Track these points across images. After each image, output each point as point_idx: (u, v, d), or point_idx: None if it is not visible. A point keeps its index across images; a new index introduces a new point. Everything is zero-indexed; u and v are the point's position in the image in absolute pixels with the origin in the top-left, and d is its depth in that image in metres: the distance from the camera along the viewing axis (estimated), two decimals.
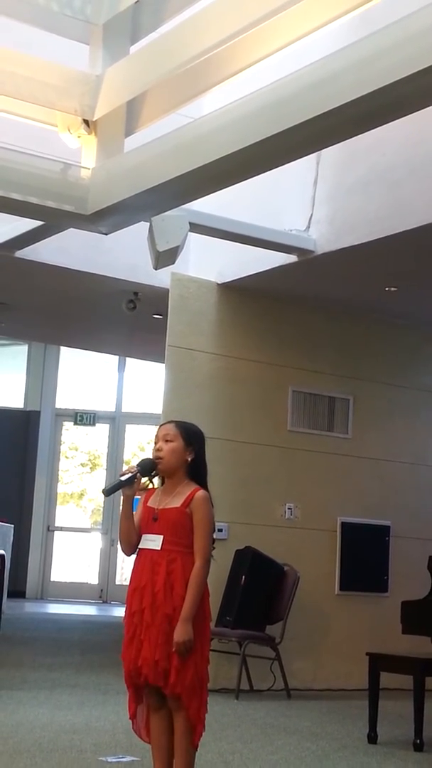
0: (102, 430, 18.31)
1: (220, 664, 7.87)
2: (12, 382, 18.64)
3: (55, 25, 6.64)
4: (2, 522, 12.20)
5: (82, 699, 7.15)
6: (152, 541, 4.12)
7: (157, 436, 4.24)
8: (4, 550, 10.99)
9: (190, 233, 7.21)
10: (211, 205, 7.20)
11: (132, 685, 4.15)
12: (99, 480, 18.36)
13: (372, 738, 6.25)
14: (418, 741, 6.04)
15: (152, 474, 4.22)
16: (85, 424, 18.02)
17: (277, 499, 8.79)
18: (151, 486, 4.26)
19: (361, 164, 7.18)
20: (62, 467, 18.51)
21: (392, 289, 8.28)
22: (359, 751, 5.98)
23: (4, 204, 6.46)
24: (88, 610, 15.97)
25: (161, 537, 4.10)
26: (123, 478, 4.17)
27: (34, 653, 9.72)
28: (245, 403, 8.73)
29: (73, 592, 17.57)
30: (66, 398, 18.34)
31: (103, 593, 17.72)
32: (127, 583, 4.23)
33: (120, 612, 4.45)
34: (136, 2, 6.27)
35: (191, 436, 4.22)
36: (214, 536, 4.18)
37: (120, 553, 16.16)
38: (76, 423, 18.05)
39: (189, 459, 4.18)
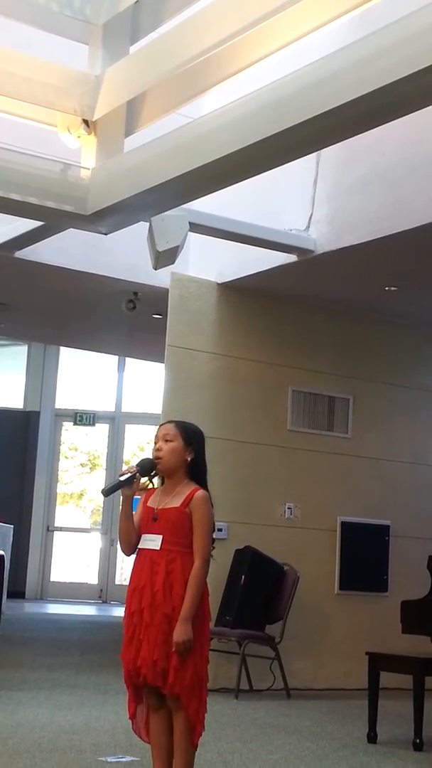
0: (102, 430, 18.31)
1: (220, 663, 7.87)
2: (12, 383, 18.64)
3: (55, 25, 6.64)
4: (2, 522, 12.19)
5: (81, 699, 7.15)
6: (152, 541, 4.12)
7: (156, 436, 4.24)
8: (3, 550, 10.98)
9: (189, 233, 7.21)
10: (211, 204, 7.20)
11: (131, 685, 4.15)
12: (99, 480, 18.36)
13: (372, 737, 6.25)
14: (418, 740, 6.04)
15: (152, 474, 4.22)
16: (84, 425, 18.02)
17: (277, 498, 8.79)
18: (151, 486, 4.26)
19: (360, 164, 7.18)
20: (62, 467, 18.51)
21: (392, 288, 8.28)
22: (359, 750, 5.98)
23: (3, 204, 6.46)
24: (88, 611, 15.97)
25: (160, 537, 4.10)
26: (122, 478, 4.17)
27: (34, 653, 9.72)
28: (245, 403, 8.73)
29: (73, 592, 17.57)
30: (66, 398, 18.34)
31: (102, 593, 17.72)
32: (127, 583, 4.23)
33: (120, 612, 4.46)
34: (135, 2, 6.27)
35: (191, 436, 4.22)
36: (214, 536, 4.18)
37: (119, 553, 16.16)
38: (75, 423, 18.05)
39: (189, 459, 4.18)
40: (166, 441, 4.19)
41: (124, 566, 17.27)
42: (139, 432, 18.44)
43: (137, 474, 4.17)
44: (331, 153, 7.15)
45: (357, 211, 7.22)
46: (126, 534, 4.20)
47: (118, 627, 4.36)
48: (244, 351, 8.75)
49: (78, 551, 18.08)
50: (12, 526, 12.42)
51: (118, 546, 4.42)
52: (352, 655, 8.16)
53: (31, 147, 6.59)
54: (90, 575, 18.01)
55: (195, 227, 7.27)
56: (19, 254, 8.30)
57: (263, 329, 8.87)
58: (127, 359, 17.43)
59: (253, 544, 8.32)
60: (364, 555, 9.13)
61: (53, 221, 7.12)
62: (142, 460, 4.25)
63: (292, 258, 7.76)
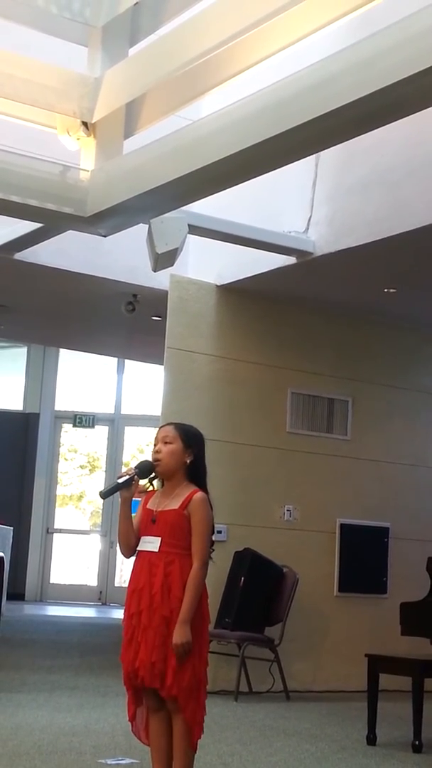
0: (101, 432, 18.30)
1: (219, 665, 7.88)
2: (11, 385, 18.63)
3: (54, 27, 6.64)
4: (1, 524, 12.19)
5: (81, 701, 7.14)
6: (150, 543, 4.12)
7: (156, 438, 4.25)
8: (3, 552, 10.97)
9: (189, 235, 7.21)
10: (210, 206, 7.20)
11: (131, 687, 4.16)
12: (98, 482, 18.36)
13: (371, 740, 6.25)
14: (417, 742, 6.03)
15: (150, 476, 4.22)
16: (84, 426, 18.02)
17: (276, 500, 8.79)
18: (151, 488, 4.26)
19: (360, 165, 7.18)
20: (61, 469, 18.50)
21: (391, 290, 8.28)
22: (358, 752, 5.98)
23: (3, 206, 6.46)
24: (88, 612, 15.96)
25: (159, 539, 4.10)
26: (120, 480, 4.17)
27: (34, 655, 9.72)
28: (244, 405, 8.73)
29: (72, 594, 17.56)
30: (65, 400, 18.33)
31: (102, 595, 17.70)
32: (126, 585, 4.24)
33: (119, 614, 4.45)
34: (135, 4, 6.28)
35: (190, 438, 4.22)
36: (213, 538, 4.18)
37: (119, 555, 16.15)
38: (75, 425, 18.05)
39: (188, 461, 4.18)
40: (166, 443, 4.19)
41: (124, 568, 17.26)
42: (138, 434, 18.44)
43: (135, 476, 4.17)
44: (330, 155, 7.15)
45: (356, 212, 7.22)
46: (125, 536, 4.20)
47: (117, 629, 4.36)
48: (243, 353, 8.75)
49: (77, 553, 18.06)
50: (11, 527, 12.42)
51: (118, 548, 4.42)
52: (351, 657, 8.16)
53: (30, 149, 6.60)
54: (89, 577, 18.00)
55: (194, 229, 7.27)
56: (19, 256, 8.29)
57: (262, 331, 8.87)
58: (127, 361, 17.42)
59: (252, 546, 8.32)
60: (364, 557, 9.13)
61: (52, 223, 7.12)
62: (141, 463, 4.25)
63: (291, 260, 7.76)
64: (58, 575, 17.87)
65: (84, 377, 18.41)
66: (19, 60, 6.44)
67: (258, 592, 8.18)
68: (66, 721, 6.31)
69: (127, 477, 4.17)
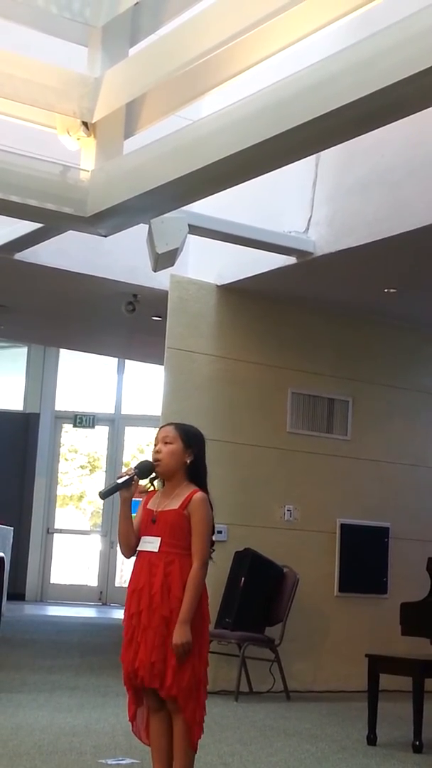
0: (101, 432, 18.30)
1: (220, 665, 7.88)
2: (11, 385, 18.63)
3: (54, 27, 6.64)
4: (2, 524, 12.19)
5: (81, 701, 7.14)
6: (150, 543, 4.12)
7: (156, 438, 4.25)
8: (3, 552, 10.97)
9: (189, 235, 7.21)
10: (210, 207, 7.20)
11: (131, 687, 4.16)
12: (98, 482, 18.35)
13: (371, 740, 6.25)
14: (418, 743, 6.03)
15: (151, 477, 4.22)
16: (84, 427, 18.02)
17: (277, 500, 8.79)
18: (152, 488, 4.26)
19: (360, 166, 7.18)
20: (62, 469, 18.50)
21: (391, 290, 8.28)
22: (358, 753, 5.98)
23: (3, 206, 6.46)
24: (88, 613, 15.96)
25: (159, 539, 4.10)
26: (120, 480, 4.17)
27: (34, 655, 9.72)
28: (244, 405, 8.73)
29: (73, 594, 17.56)
30: (65, 400, 18.33)
31: (102, 595, 17.70)
32: (127, 585, 4.23)
33: (119, 614, 4.45)
34: (135, 4, 6.28)
35: (190, 438, 4.22)
36: (214, 538, 4.18)
37: (119, 556, 16.14)
38: (75, 425, 18.05)
39: (188, 461, 4.18)
40: (166, 443, 4.19)
41: (124, 568, 17.26)
42: (138, 434, 18.44)
43: (135, 476, 4.17)
44: (330, 155, 7.15)
45: (356, 212, 7.22)
46: (125, 536, 4.20)
47: (117, 629, 4.36)
48: (243, 353, 8.75)
49: (78, 553, 18.06)
50: (12, 528, 12.40)
51: (118, 548, 4.42)
52: (351, 657, 8.16)
53: (30, 149, 6.60)
54: (90, 577, 18.00)
55: (194, 229, 7.27)
56: (19, 256, 8.29)
57: (262, 331, 8.87)
58: (127, 361, 17.42)
59: (252, 546, 8.32)
60: (364, 557, 9.13)
61: (53, 223, 7.12)
62: (141, 463, 4.25)
63: (291, 260, 7.76)
64: (59, 575, 17.87)
65: (84, 377, 18.41)
66: (19, 60, 6.44)
67: (258, 592, 8.18)
68: (66, 721, 6.31)
69: (127, 477, 4.17)
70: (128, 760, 5.25)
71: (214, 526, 4.18)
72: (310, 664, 8.74)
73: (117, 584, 17.55)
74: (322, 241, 7.53)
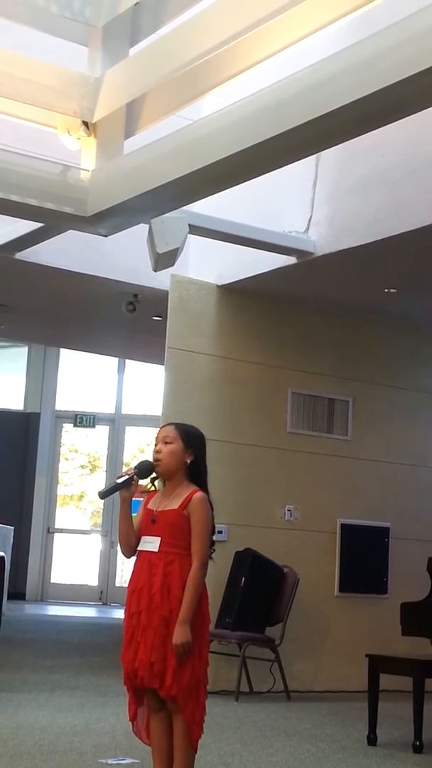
0: (102, 432, 18.30)
1: (220, 665, 7.87)
2: (12, 384, 18.64)
3: (55, 27, 6.64)
4: (2, 524, 12.19)
5: (82, 701, 7.14)
6: (150, 543, 4.12)
7: (157, 438, 4.25)
8: (4, 551, 10.97)
9: (189, 235, 7.21)
10: (210, 206, 7.20)
11: (131, 687, 4.16)
12: (99, 482, 18.35)
13: (371, 740, 6.25)
14: (418, 743, 6.03)
15: (152, 477, 4.22)
16: (84, 426, 18.02)
17: (277, 500, 8.79)
18: (153, 488, 4.27)
19: (360, 166, 7.18)
20: (62, 469, 18.50)
21: (391, 290, 8.28)
22: (359, 753, 5.98)
23: (3, 206, 6.46)
24: (88, 612, 15.97)
25: (159, 539, 4.10)
26: (119, 480, 4.17)
27: (34, 655, 9.72)
28: (245, 405, 8.73)
29: (73, 593, 17.56)
30: (66, 400, 18.33)
31: (102, 595, 17.71)
32: (127, 585, 4.23)
33: (120, 614, 4.46)
34: (135, 4, 6.28)
35: (191, 438, 4.22)
36: (214, 538, 4.18)
37: (120, 555, 16.16)
38: (75, 425, 18.05)
39: (188, 461, 4.18)
40: (166, 443, 4.19)
41: (125, 568, 17.26)
42: (139, 434, 18.44)
43: (135, 476, 4.18)
44: (330, 155, 7.15)
45: (356, 213, 7.22)
46: (125, 536, 4.20)
47: (118, 629, 4.36)
48: (243, 353, 8.75)
49: (78, 553, 18.07)
50: (12, 527, 12.41)
51: (118, 548, 4.43)
52: (352, 657, 8.15)
53: (30, 149, 6.60)
54: (90, 577, 18.00)
55: (195, 229, 7.27)
56: (19, 256, 8.29)
57: (263, 331, 8.87)
58: (127, 361, 17.43)
59: (253, 546, 8.32)
60: (364, 557, 9.13)
61: (53, 223, 7.12)
62: (141, 463, 4.26)
63: (291, 260, 7.76)
64: (59, 575, 17.88)
65: (85, 377, 18.41)
66: (20, 59, 6.44)
67: (259, 592, 8.18)
68: (67, 720, 6.31)
69: (126, 477, 4.17)
70: (129, 760, 5.25)
71: (214, 526, 4.17)
72: (311, 664, 8.74)
73: (117, 584, 17.56)
74: (322, 241, 7.53)
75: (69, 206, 6.47)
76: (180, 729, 4.04)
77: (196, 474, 4.20)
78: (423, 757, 5.93)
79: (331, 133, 5.20)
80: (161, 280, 8.50)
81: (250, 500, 8.60)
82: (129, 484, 4.16)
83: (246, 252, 7.90)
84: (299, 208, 7.74)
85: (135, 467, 4.21)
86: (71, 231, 7.33)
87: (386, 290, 8.29)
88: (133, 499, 4.19)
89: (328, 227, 7.49)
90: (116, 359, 17.50)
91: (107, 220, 6.60)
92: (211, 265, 8.64)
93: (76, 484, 18.71)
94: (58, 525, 18.00)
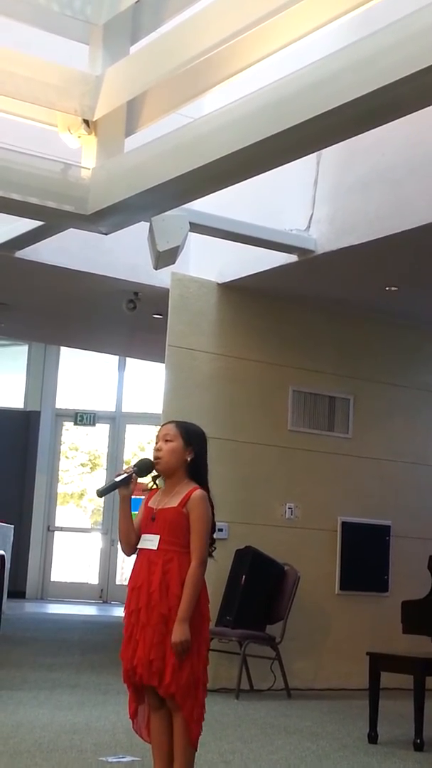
0: (102, 430, 18.31)
1: (221, 663, 7.87)
2: (12, 383, 18.64)
3: (56, 25, 6.64)
4: (2, 522, 12.19)
5: (82, 699, 7.15)
6: (150, 541, 4.12)
7: (157, 436, 4.25)
8: (4, 550, 10.98)
9: (190, 233, 7.21)
10: (211, 204, 7.20)
11: (131, 685, 4.16)
12: (99, 480, 18.36)
13: (372, 738, 6.25)
14: (419, 741, 6.03)
15: (154, 475, 4.22)
16: (85, 424, 18.03)
17: (278, 498, 8.79)
18: (154, 486, 4.27)
19: (361, 164, 7.17)
20: (62, 467, 18.51)
21: (392, 288, 8.28)
22: (359, 750, 5.98)
23: (4, 204, 6.46)
24: (89, 610, 15.97)
25: (158, 537, 4.10)
26: (117, 478, 4.17)
27: (35, 653, 9.72)
28: (245, 403, 8.73)
29: (73, 592, 17.57)
30: (66, 398, 18.34)
31: (103, 593, 17.72)
32: (127, 582, 4.24)
33: (120, 612, 4.46)
34: (136, 2, 6.28)
35: (191, 436, 4.22)
36: (215, 536, 4.18)
37: (120, 553, 16.17)
38: (76, 423, 18.05)
39: (188, 459, 4.18)
40: (166, 441, 4.19)
41: (125, 566, 17.26)
42: (139, 432, 18.44)
43: (133, 474, 4.17)
44: (331, 153, 7.14)
45: (357, 211, 7.22)
46: (125, 534, 4.20)
47: (118, 627, 4.36)
48: (244, 351, 8.75)
49: (78, 551, 18.08)
50: (12, 526, 12.44)
51: (119, 546, 4.43)
52: (352, 655, 8.15)
53: (31, 147, 6.60)
54: (90, 575, 18.01)
55: (195, 227, 7.27)
56: (20, 254, 8.29)
57: (263, 329, 8.87)
58: (128, 359, 17.43)
59: (253, 544, 8.32)
60: (365, 555, 9.13)
61: (53, 221, 7.12)
62: (140, 461, 4.26)
63: (292, 258, 7.76)
64: (59, 573, 17.88)
65: (85, 375, 18.42)
66: (21, 58, 6.44)
67: (259, 590, 8.18)
68: (67, 718, 6.32)
69: (125, 475, 4.17)
70: (129, 758, 5.25)
71: (214, 524, 4.17)
72: (311, 662, 8.74)
73: (117, 582, 17.57)
74: (323, 239, 7.53)
75: (69, 204, 6.47)
76: (179, 727, 4.04)
77: (197, 472, 4.20)
78: (424, 755, 5.93)
79: (332, 131, 5.20)
80: (162, 278, 8.49)
81: (250, 498, 8.60)
82: (128, 482, 4.16)
83: (247, 250, 7.90)
84: (300, 206, 7.74)
85: (134, 465, 4.22)
86: (72, 229, 7.33)
87: (387, 288, 8.29)
88: (135, 497, 4.19)
89: (329, 225, 7.49)
90: (117, 357, 17.51)
91: (108, 218, 6.60)
92: (212, 263, 8.64)
93: (77, 483, 18.72)
94: (58, 523, 18.01)
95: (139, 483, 4.24)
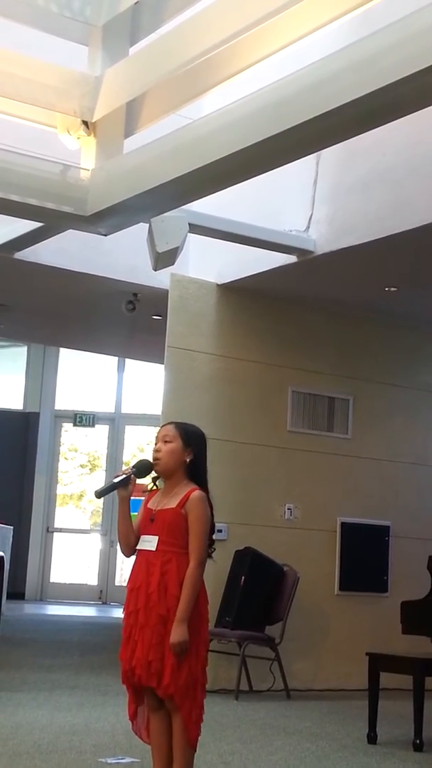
0: (101, 431, 18.30)
1: (220, 664, 7.87)
2: (11, 384, 18.64)
3: (55, 26, 6.64)
4: (1, 523, 12.18)
5: (81, 700, 7.14)
6: (149, 542, 4.12)
7: (156, 437, 4.25)
8: (3, 551, 10.97)
9: (189, 234, 7.21)
10: (210, 205, 7.20)
11: (130, 686, 4.16)
12: (98, 481, 18.35)
13: (372, 738, 6.25)
14: (418, 741, 6.03)
15: (153, 477, 4.22)
16: (84, 426, 18.02)
17: (277, 499, 8.78)
18: (154, 487, 4.27)
19: (361, 164, 7.17)
20: (61, 468, 18.50)
21: (392, 289, 8.28)
22: (359, 751, 5.98)
23: (3, 205, 6.46)
24: (88, 612, 15.96)
25: (157, 538, 4.10)
26: (116, 479, 4.17)
27: (34, 655, 9.72)
28: (245, 404, 8.73)
29: (73, 593, 17.56)
30: (65, 399, 18.33)
31: (102, 594, 17.71)
32: (126, 583, 4.24)
33: (119, 613, 4.46)
34: (135, 3, 6.28)
35: (190, 437, 4.22)
36: (214, 537, 4.18)
37: (119, 554, 16.16)
38: (75, 424, 18.05)
39: (187, 460, 4.18)
40: (165, 442, 4.19)
41: (124, 567, 17.26)
42: (138, 433, 18.44)
43: (132, 475, 4.17)
44: (331, 153, 7.14)
45: (357, 211, 7.22)
46: (124, 535, 4.20)
47: (117, 628, 4.37)
48: (243, 352, 8.75)
49: (78, 552, 18.07)
50: (12, 527, 12.40)
51: (118, 547, 4.42)
52: (352, 655, 8.15)
53: (30, 148, 6.59)
54: (90, 576, 18.00)
55: (195, 228, 7.27)
56: (19, 255, 8.29)
57: (263, 330, 8.87)
58: (127, 360, 17.43)
59: (253, 545, 8.32)
60: (364, 556, 9.13)
61: (53, 222, 7.12)
62: (139, 462, 4.26)
63: (291, 259, 7.76)
64: (59, 574, 17.88)
65: (84, 376, 18.41)
66: (20, 59, 6.43)
67: (259, 590, 8.18)
68: (66, 720, 6.31)
69: (123, 476, 4.17)
70: (128, 759, 5.25)
71: (214, 525, 4.17)
72: (311, 663, 8.74)
73: (117, 583, 17.55)
74: (322, 239, 7.53)
75: (69, 206, 6.47)
76: (178, 728, 4.04)
77: (196, 473, 4.20)
78: (423, 755, 5.93)
79: (331, 131, 5.20)
80: (161, 279, 8.49)
81: (250, 499, 8.59)
82: (126, 483, 4.15)
83: (246, 251, 7.90)
84: (300, 206, 7.74)
85: (133, 466, 4.22)
86: (71, 230, 7.33)
87: (387, 289, 8.29)
88: (135, 498, 4.19)
89: (328, 226, 7.49)
90: (116, 358, 17.50)
91: (107, 219, 6.60)
92: (211, 264, 8.64)
93: (76, 484, 18.72)
94: (57, 524, 18.01)
95: (139, 484, 4.24)
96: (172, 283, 8.45)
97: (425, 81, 4.42)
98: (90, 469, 18.78)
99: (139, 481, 4.23)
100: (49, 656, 9.67)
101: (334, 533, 9.02)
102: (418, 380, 9.68)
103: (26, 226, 7.56)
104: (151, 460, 4.23)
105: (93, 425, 18.01)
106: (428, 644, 6.76)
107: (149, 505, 4.20)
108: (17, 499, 17.44)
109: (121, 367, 18.08)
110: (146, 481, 4.27)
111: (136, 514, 4.23)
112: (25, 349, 18.43)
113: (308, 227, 7.63)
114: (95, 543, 18.09)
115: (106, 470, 18.28)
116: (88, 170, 6.49)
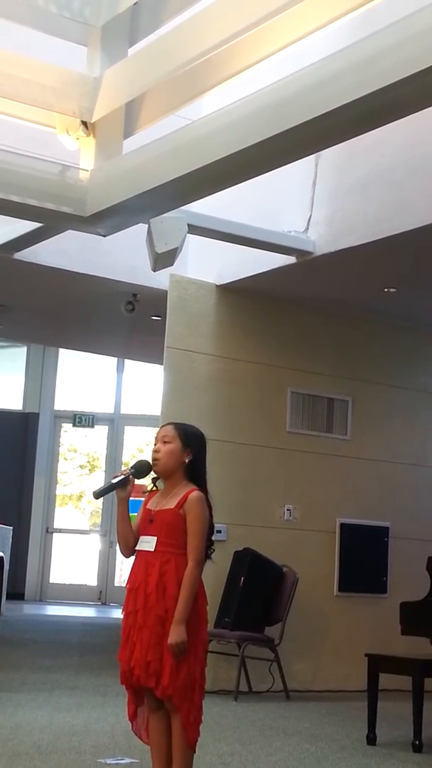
0: (101, 431, 18.30)
1: (219, 665, 7.88)
2: (11, 384, 18.63)
3: (54, 27, 6.64)
4: (1, 524, 12.19)
5: (81, 701, 7.14)
6: (147, 543, 4.12)
7: (156, 438, 4.25)
8: (2, 552, 10.98)
9: (188, 235, 7.21)
10: (209, 206, 7.20)
11: (129, 686, 4.15)
12: (98, 482, 18.34)
13: (371, 739, 6.25)
14: (417, 742, 6.03)
15: (153, 477, 4.22)
16: (83, 426, 18.02)
17: (276, 500, 8.78)
18: (153, 488, 4.27)
19: (360, 165, 7.17)
20: (61, 469, 18.50)
21: (391, 290, 8.28)
22: (358, 752, 5.98)
23: (2, 206, 6.46)
24: (87, 612, 15.96)
25: (155, 538, 4.10)
26: (115, 480, 4.17)
27: (33, 655, 9.72)
28: (244, 405, 8.73)
29: (72, 593, 17.56)
30: (65, 400, 18.33)
31: (102, 595, 17.70)
32: (126, 584, 4.24)
33: (119, 614, 4.47)
34: (134, 4, 6.28)
35: (189, 438, 4.22)
36: (213, 538, 4.18)
37: (119, 555, 16.13)
38: (74, 425, 18.05)
39: (186, 460, 4.18)
40: (165, 443, 4.19)
41: (124, 568, 17.25)
42: (138, 434, 18.44)
43: (131, 476, 4.17)
44: (330, 154, 7.15)
45: (356, 212, 7.22)
46: (123, 536, 4.21)
47: (117, 629, 4.36)
48: (242, 353, 8.75)
49: (77, 553, 18.06)
50: (11, 527, 12.45)
51: (117, 548, 4.42)
52: (351, 656, 8.15)
53: (30, 149, 6.59)
54: (89, 577, 18.00)
55: (194, 229, 7.27)
56: (18, 256, 8.29)
57: (262, 331, 8.87)
58: (126, 361, 17.42)
59: (252, 546, 8.32)
60: (364, 556, 9.12)
61: (52, 223, 7.12)
62: (138, 462, 4.27)
63: (291, 259, 7.76)
64: (58, 575, 17.87)
65: (83, 377, 18.41)
66: (19, 60, 6.44)
67: (258, 591, 8.18)
68: (66, 720, 6.31)
69: (122, 477, 4.17)
70: (127, 760, 5.25)
71: (213, 526, 4.17)
72: (310, 664, 8.74)
73: (116, 584, 17.54)
74: (321, 240, 7.53)
75: (68, 206, 6.47)
76: (177, 729, 4.04)
77: (195, 474, 4.20)
78: (422, 756, 5.93)
79: (331, 132, 5.20)
80: (160, 280, 8.49)
81: (249, 500, 8.59)
82: (124, 483, 4.16)
83: (245, 252, 7.90)
84: (299, 207, 7.74)
85: (131, 467, 4.22)
86: (70, 231, 7.33)
87: (386, 290, 8.29)
88: (135, 498, 4.19)
89: (327, 227, 7.49)
90: (115, 359, 17.50)
91: (106, 219, 6.60)
92: (210, 264, 8.64)
93: (75, 484, 18.71)
94: (57, 525, 18.00)
95: (139, 485, 4.24)
96: (172, 283, 8.45)
97: (425, 82, 4.42)
98: (89, 470, 18.77)
99: (139, 481, 4.23)
100: (49, 657, 9.67)
101: (334, 534, 9.02)
102: (416, 381, 9.68)
103: (26, 226, 7.56)
104: (150, 460, 4.23)
105: (92, 426, 18.01)
106: (427, 645, 6.76)
107: (148, 506, 4.20)
108: (17, 499, 17.44)
109: (120, 368, 18.08)
110: (146, 482, 4.27)
111: (135, 514, 4.23)
112: (24, 349, 18.43)
113: (307, 228, 7.63)
114: (95, 544, 18.09)
115: (105, 471, 18.27)
116: (88, 171, 6.49)
